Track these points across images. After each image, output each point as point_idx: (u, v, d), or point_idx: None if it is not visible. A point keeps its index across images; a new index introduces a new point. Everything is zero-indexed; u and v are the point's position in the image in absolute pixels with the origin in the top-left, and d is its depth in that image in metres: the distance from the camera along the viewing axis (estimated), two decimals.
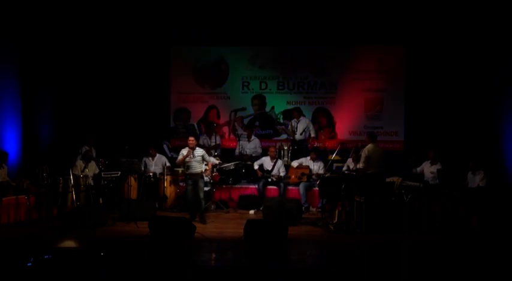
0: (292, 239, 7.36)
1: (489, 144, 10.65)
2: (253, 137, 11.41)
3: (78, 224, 7.90)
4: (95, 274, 5.20)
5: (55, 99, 11.49)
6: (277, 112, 12.26)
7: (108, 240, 7.35)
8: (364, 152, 8.85)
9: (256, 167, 10.46)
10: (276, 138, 12.14)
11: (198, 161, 8.96)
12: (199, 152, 9.02)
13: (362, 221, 8.06)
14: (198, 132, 11.82)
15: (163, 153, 11.05)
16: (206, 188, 10.10)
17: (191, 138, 9.03)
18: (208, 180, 10.16)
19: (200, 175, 9.00)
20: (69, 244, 6.19)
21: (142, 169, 10.36)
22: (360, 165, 8.99)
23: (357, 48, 12.01)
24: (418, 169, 9.93)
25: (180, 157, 9.07)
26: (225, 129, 12.33)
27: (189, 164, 8.97)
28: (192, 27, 11.90)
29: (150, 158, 10.68)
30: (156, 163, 10.62)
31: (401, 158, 10.87)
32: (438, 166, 9.69)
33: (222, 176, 10.38)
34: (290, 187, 10.30)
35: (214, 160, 10.05)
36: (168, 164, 10.53)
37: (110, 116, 11.90)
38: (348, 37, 11.74)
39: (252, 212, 9.89)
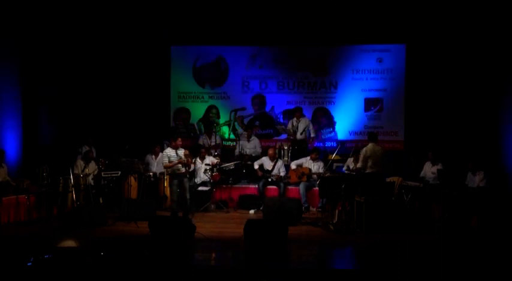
0: (292, 239, 7.36)
1: (489, 144, 10.65)
2: (253, 137, 11.41)
3: (78, 224, 7.88)
4: (94, 273, 5.21)
5: (55, 99, 11.50)
6: (277, 112, 12.26)
7: (108, 240, 7.34)
8: (363, 152, 8.88)
9: (256, 167, 10.46)
10: (276, 138, 12.14)
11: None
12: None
13: (362, 221, 8.06)
14: (198, 132, 11.82)
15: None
16: (206, 188, 10.12)
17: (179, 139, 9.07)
18: (208, 180, 10.17)
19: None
20: (69, 243, 6.21)
21: (144, 166, 10.37)
22: (358, 164, 9.07)
23: (357, 48, 12.01)
24: (422, 173, 9.97)
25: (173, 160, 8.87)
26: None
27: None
28: (192, 26, 11.90)
29: (154, 156, 10.68)
30: (158, 163, 10.61)
31: (401, 158, 10.88)
32: (439, 166, 9.68)
33: (222, 176, 10.36)
34: (290, 187, 10.29)
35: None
36: None
37: (109, 116, 11.91)
38: (348, 36, 11.74)
39: (252, 212, 9.89)
